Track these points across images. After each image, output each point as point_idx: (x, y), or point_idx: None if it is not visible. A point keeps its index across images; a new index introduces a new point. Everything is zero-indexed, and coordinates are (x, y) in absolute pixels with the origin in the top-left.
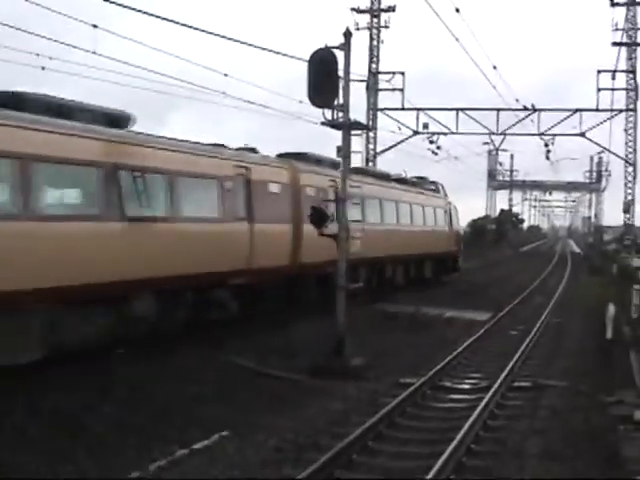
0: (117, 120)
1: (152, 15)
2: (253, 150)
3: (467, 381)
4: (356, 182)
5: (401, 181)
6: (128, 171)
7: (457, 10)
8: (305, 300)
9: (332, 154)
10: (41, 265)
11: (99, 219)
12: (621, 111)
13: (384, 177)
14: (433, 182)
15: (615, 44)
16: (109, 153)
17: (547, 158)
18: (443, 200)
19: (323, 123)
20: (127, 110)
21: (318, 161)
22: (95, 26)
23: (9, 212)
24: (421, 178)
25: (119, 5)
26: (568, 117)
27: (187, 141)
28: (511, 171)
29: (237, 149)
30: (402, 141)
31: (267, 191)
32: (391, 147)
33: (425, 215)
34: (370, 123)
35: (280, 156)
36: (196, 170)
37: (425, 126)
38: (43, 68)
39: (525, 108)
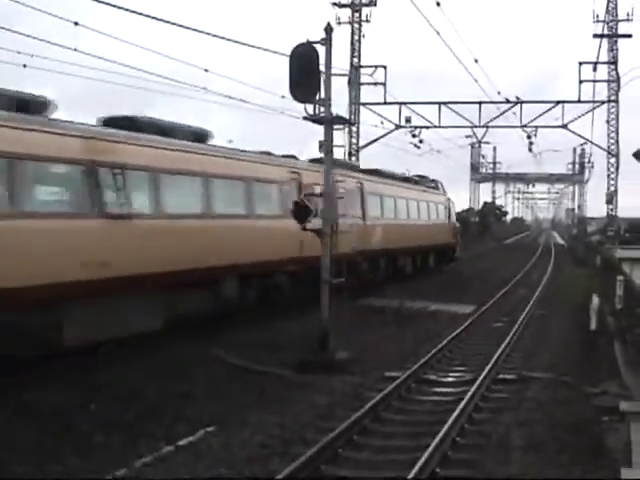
0: (204, 136)
1: (133, 12)
2: (294, 157)
3: (452, 374)
4: (375, 181)
5: (407, 180)
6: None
7: (438, 4)
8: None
9: (314, 148)
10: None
11: (224, 217)
12: (603, 102)
13: (395, 177)
14: (433, 180)
15: (596, 36)
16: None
17: (530, 150)
18: (443, 197)
19: (305, 118)
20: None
21: (342, 164)
22: (76, 23)
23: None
24: (422, 176)
25: (100, 2)
26: (550, 109)
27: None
28: (494, 163)
29: (284, 156)
30: (384, 135)
31: (312, 192)
32: (373, 141)
33: (429, 211)
34: (352, 117)
35: (312, 161)
36: (266, 176)
37: (407, 120)
38: (24, 66)
39: (507, 101)
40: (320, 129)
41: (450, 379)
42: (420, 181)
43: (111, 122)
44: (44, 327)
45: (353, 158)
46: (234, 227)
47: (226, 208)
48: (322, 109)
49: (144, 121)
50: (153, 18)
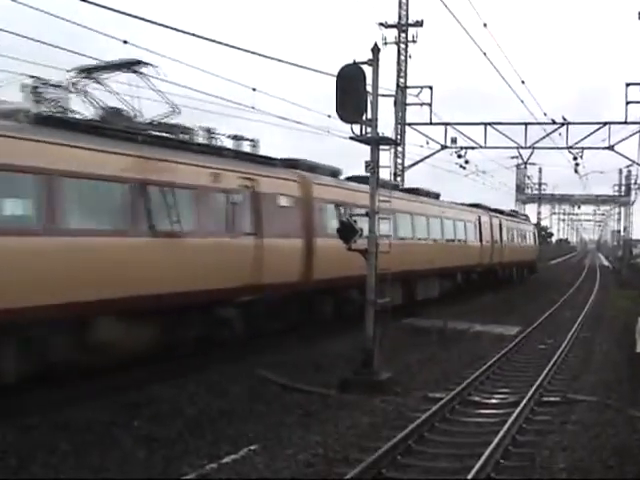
0: (335, 172)
1: (180, 31)
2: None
3: (496, 396)
4: (503, 219)
5: (514, 215)
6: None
7: (485, 25)
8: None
9: (360, 168)
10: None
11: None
12: None
13: (506, 213)
14: (525, 214)
15: None
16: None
17: (576, 171)
18: (532, 226)
19: (352, 138)
20: None
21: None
22: (125, 42)
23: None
24: (515, 211)
25: (149, 22)
26: (597, 130)
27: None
28: (539, 184)
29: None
30: (430, 155)
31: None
32: (419, 161)
33: (525, 237)
34: (398, 138)
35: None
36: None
37: (453, 140)
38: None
39: (553, 122)
40: (366, 149)
41: (494, 401)
42: (515, 214)
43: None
44: None
45: (398, 178)
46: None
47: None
48: (368, 129)
49: (304, 163)
50: (202, 37)
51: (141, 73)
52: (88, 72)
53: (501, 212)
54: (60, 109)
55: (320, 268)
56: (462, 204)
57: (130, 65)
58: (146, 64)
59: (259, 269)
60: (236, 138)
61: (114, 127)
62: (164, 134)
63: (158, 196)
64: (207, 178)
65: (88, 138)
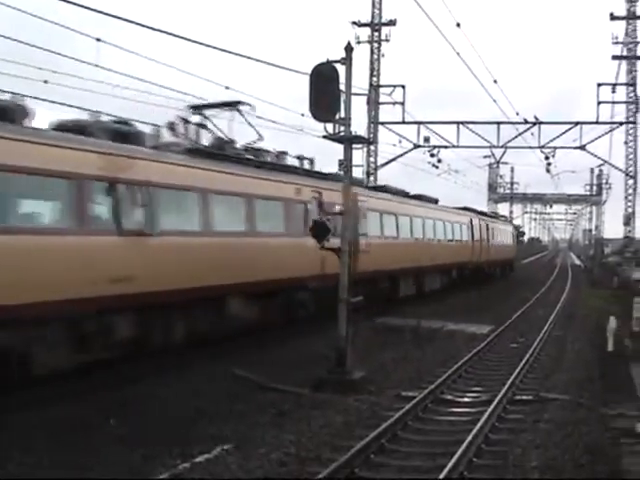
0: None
1: (153, 29)
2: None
3: (468, 394)
4: (485, 220)
5: (496, 216)
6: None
7: (458, 25)
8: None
9: (334, 166)
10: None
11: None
12: (621, 124)
13: (489, 215)
14: (504, 215)
15: (615, 57)
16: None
17: (548, 171)
18: (511, 226)
19: (325, 137)
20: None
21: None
22: (99, 39)
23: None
24: (496, 214)
25: (122, 19)
26: (568, 130)
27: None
28: (512, 184)
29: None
30: (403, 154)
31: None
32: (392, 160)
33: (505, 236)
34: (371, 136)
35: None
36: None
37: (426, 139)
38: (46, 81)
39: (526, 121)
40: (340, 147)
41: (467, 399)
42: (496, 215)
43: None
44: None
45: (371, 177)
46: None
47: None
48: (342, 128)
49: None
50: (175, 36)
51: (239, 110)
52: (198, 109)
53: (486, 214)
54: (190, 141)
55: (362, 262)
56: (455, 208)
57: (234, 104)
58: (245, 104)
59: (323, 262)
60: (299, 158)
61: (239, 156)
62: (260, 157)
63: (263, 206)
64: (292, 192)
65: (222, 164)
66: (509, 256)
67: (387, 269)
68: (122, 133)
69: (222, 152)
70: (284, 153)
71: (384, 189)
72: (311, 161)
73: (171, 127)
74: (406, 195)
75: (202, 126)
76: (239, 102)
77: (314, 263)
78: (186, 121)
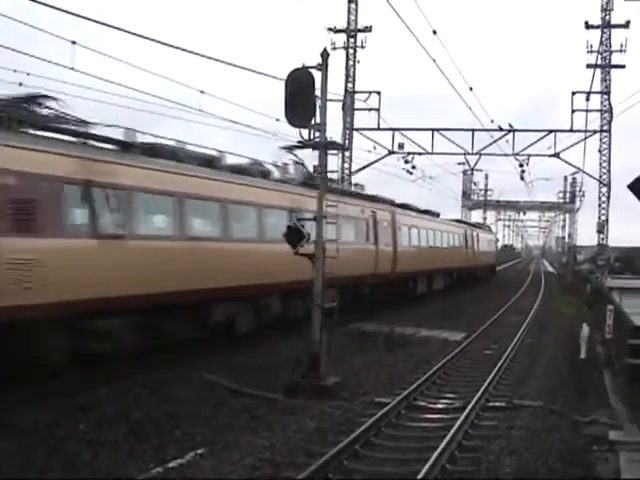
0: (406, 206)
1: (129, 32)
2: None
3: (442, 401)
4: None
5: (479, 226)
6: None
7: (434, 32)
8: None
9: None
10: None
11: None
12: (595, 132)
13: (471, 224)
14: (487, 225)
15: (590, 66)
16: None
17: (522, 178)
18: (493, 235)
19: (300, 142)
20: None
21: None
22: (74, 42)
23: None
24: (481, 224)
25: (97, 22)
26: (543, 138)
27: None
28: (485, 191)
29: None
30: (377, 160)
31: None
32: (366, 166)
33: (490, 244)
34: (346, 142)
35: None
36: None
37: (400, 146)
38: (20, 84)
39: (500, 129)
40: (313, 153)
41: (440, 406)
42: (481, 225)
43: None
44: None
45: (345, 183)
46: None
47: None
48: (317, 134)
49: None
50: (150, 39)
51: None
52: (290, 149)
53: (474, 225)
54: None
55: (400, 264)
56: (451, 220)
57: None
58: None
59: (376, 264)
60: (355, 185)
61: (336, 187)
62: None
63: (346, 223)
64: (359, 212)
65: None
66: (492, 261)
67: (411, 271)
68: (263, 172)
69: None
70: (359, 185)
71: (407, 206)
72: (362, 187)
73: (284, 165)
74: (419, 211)
75: (300, 163)
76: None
77: (370, 263)
78: (297, 162)
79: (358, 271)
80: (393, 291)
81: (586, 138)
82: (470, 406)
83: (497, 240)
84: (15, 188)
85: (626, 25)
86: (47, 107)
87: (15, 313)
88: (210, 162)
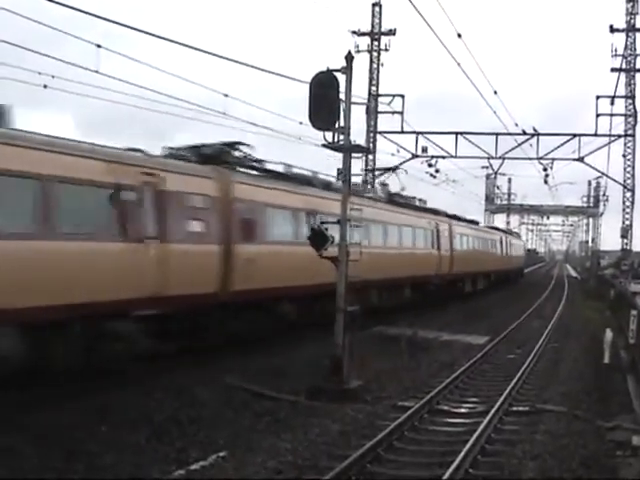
0: (454, 216)
1: (154, 35)
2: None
3: (465, 405)
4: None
5: (510, 233)
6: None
7: (459, 35)
8: None
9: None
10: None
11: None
12: (620, 136)
13: (503, 230)
14: (517, 232)
15: (614, 70)
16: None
17: (545, 182)
18: (522, 241)
19: (324, 145)
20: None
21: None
22: (99, 46)
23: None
24: (511, 231)
25: (122, 25)
26: (567, 142)
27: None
28: (509, 194)
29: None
30: (401, 164)
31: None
32: (390, 169)
33: (518, 249)
34: (370, 146)
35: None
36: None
37: (424, 149)
38: (45, 86)
39: (524, 132)
40: (338, 156)
41: (463, 410)
42: (512, 232)
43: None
44: None
45: (369, 186)
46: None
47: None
48: (341, 137)
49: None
50: (174, 42)
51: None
52: (373, 172)
53: (506, 232)
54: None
55: (455, 266)
56: (488, 226)
57: (394, 169)
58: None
59: (439, 266)
60: (420, 200)
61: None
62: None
63: (419, 233)
64: (427, 224)
65: (404, 208)
66: (521, 265)
67: (463, 273)
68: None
69: (402, 200)
70: (423, 200)
71: (457, 217)
72: (424, 202)
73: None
74: (466, 220)
75: (384, 184)
76: (397, 167)
77: (434, 265)
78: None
79: (426, 271)
80: (448, 289)
81: (610, 142)
82: (493, 410)
83: (525, 246)
84: (243, 211)
85: None
86: (240, 150)
87: (241, 296)
88: (328, 185)
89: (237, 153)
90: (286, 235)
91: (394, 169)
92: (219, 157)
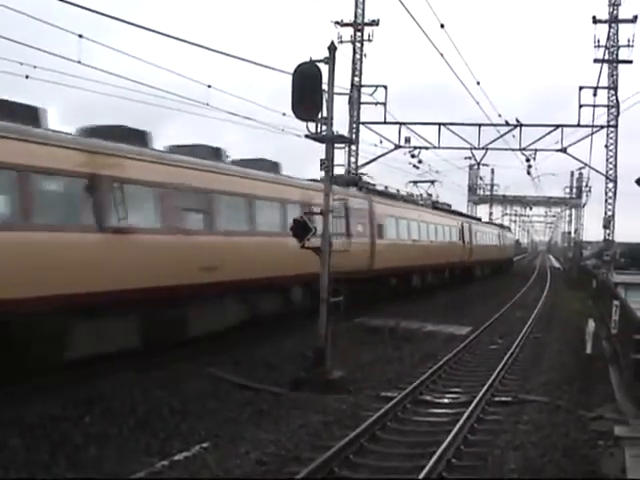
0: (464, 214)
1: (136, 25)
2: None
3: (448, 395)
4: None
5: (503, 227)
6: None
7: (442, 26)
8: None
9: (316, 166)
10: None
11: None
12: (602, 127)
13: (497, 225)
14: (508, 227)
15: (597, 61)
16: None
17: (528, 173)
18: (513, 234)
19: (307, 136)
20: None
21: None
22: (81, 36)
23: None
24: (503, 225)
25: (105, 15)
26: (550, 133)
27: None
28: (492, 185)
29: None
30: (384, 154)
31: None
32: (372, 160)
33: (510, 241)
34: (352, 136)
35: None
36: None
37: (407, 140)
38: (27, 77)
39: (507, 123)
40: (321, 147)
41: (446, 400)
42: (504, 226)
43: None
44: None
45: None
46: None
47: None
48: (324, 127)
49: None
50: (157, 32)
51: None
52: (415, 182)
53: (502, 227)
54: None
55: (473, 255)
56: (487, 222)
57: (433, 181)
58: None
59: (462, 254)
60: (448, 205)
61: (449, 209)
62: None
63: (449, 229)
64: (456, 223)
65: (441, 212)
66: (511, 255)
67: (476, 261)
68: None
69: (439, 205)
70: (449, 205)
71: (471, 217)
72: (449, 205)
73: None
74: (477, 218)
75: (429, 194)
76: (434, 180)
77: (459, 254)
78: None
79: (453, 259)
80: (466, 275)
81: (593, 133)
82: (476, 401)
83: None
84: (377, 219)
85: (634, 20)
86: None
87: (379, 272)
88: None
89: (365, 178)
90: (402, 234)
91: (432, 181)
92: (355, 182)
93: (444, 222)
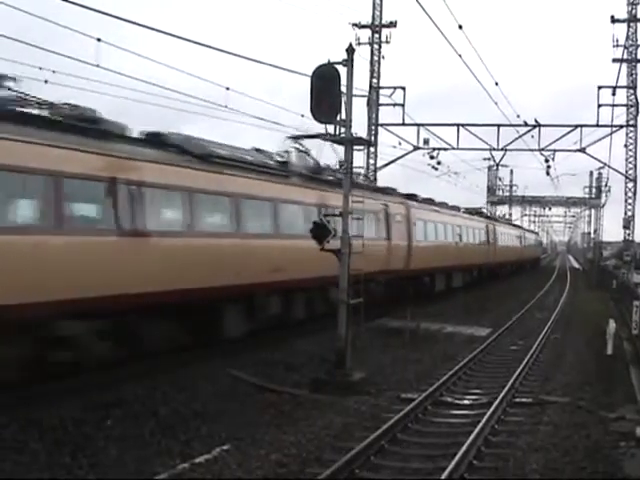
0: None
1: (153, 29)
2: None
3: (468, 397)
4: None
5: (532, 231)
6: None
7: (460, 27)
8: None
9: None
10: None
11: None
12: (621, 127)
13: (526, 229)
14: (536, 232)
15: (615, 60)
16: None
17: (547, 174)
18: (537, 235)
19: (326, 138)
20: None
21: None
22: (99, 39)
23: None
24: (532, 231)
25: (122, 19)
26: (568, 133)
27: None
28: (510, 186)
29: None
30: (402, 156)
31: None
32: (391, 162)
33: (535, 242)
34: (371, 138)
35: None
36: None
37: (426, 141)
38: (46, 81)
39: (526, 124)
40: (340, 149)
41: (467, 401)
42: (532, 231)
43: None
44: None
45: (371, 178)
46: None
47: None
48: (342, 129)
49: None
50: (174, 36)
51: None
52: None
53: (526, 230)
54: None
55: (497, 256)
56: (512, 224)
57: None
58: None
59: (487, 255)
60: (480, 208)
61: (478, 212)
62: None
63: (477, 232)
64: (483, 225)
65: (473, 216)
66: (537, 255)
67: (505, 261)
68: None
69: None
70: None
71: (495, 219)
72: (481, 209)
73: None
74: (503, 221)
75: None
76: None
77: (485, 255)
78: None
79: (480, 260)
80: (494, 273)
81: (612, 133)
82: (497, 402)
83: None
84: (414, 223)
85: None
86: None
87: (414, 272)
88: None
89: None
90: (438, 237)
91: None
92: (393, 191)
93: (472, 225)
